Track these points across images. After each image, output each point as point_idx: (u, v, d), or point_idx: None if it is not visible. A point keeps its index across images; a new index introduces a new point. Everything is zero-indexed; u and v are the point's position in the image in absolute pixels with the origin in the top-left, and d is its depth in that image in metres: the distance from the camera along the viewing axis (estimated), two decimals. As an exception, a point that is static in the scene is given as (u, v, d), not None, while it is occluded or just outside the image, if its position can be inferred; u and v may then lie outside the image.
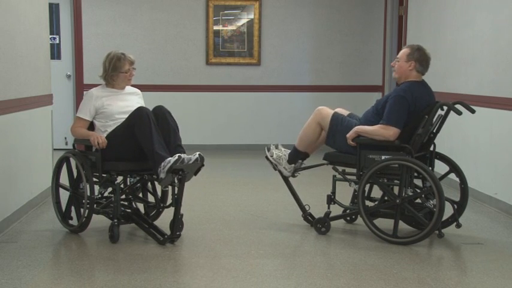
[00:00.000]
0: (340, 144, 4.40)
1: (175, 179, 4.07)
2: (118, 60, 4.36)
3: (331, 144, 4.49)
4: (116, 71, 4.36)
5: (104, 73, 4.41)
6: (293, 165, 4.60)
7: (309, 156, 4.63)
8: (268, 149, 4.69)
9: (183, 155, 3.98)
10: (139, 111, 4.11)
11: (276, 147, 4.71)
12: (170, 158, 3.95)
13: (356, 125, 4.36)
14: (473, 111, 4.37)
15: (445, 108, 4.28)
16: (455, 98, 5.25)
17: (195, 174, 4.16)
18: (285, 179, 4.67)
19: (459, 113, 4.22)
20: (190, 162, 3.98)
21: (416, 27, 7.22)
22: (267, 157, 4.68)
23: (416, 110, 4.20)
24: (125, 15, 8.47)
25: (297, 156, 4.59)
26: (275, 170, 4.69)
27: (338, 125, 4.40)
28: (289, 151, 4.65)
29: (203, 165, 4.11)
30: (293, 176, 4.66)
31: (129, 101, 4.43)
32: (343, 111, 4.58)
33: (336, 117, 4.44)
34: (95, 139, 4.14)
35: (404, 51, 4.37)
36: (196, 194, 5.48)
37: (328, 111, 4.49)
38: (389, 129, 4.17)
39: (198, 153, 4.04)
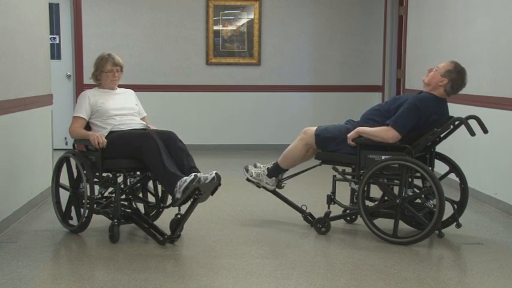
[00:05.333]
0: (335, 148, 4.40)
1: (192, 198, 3.99)
2: (101, 60, 4.51)
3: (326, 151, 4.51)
4: (98, 70, 4.51)
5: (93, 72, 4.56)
6: (274, 178, 4.65)
7: (288, 170, 4.67)
8: (247, 170, 4.73)
9: (199, 174, 3.90)
10: (146, 138, 4.06)
11: (255, 165, 4.75)
12: (186, 178, 3.88)
13: (346, 127, 4.38)
14: (486, 131, 4.25)
15: (457, 122, 4.23)
16: (455, 98, 5.24)
17: (212, 194, 4.08)
18: (272, 192, 4.72)
19: (473, 133, 4.12)
20: (207, 181, 3.89)
21: (416, 27, 7.21)
22: (247, 179, 4.71)
23: (426, 123, 4.18)
24: (125, 15, 8.46)
25: (278, 172, 4.65)
26: (259, 187, 4.72)
27: (325, 133, 4.43)
28: (268, 166, 4.68)
29: (220, 184, 4.02)
30: (279, 187, 4.71)
31: (122, 99, 4.51)
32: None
33: (320, 128, 4.48)
34: (95, 139, 4.14)
35: (446, 65, 4.29)
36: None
37: (313, 128, 4.53)
38: (391, 132, 4.17)
39: (214, 172, 3.95)
